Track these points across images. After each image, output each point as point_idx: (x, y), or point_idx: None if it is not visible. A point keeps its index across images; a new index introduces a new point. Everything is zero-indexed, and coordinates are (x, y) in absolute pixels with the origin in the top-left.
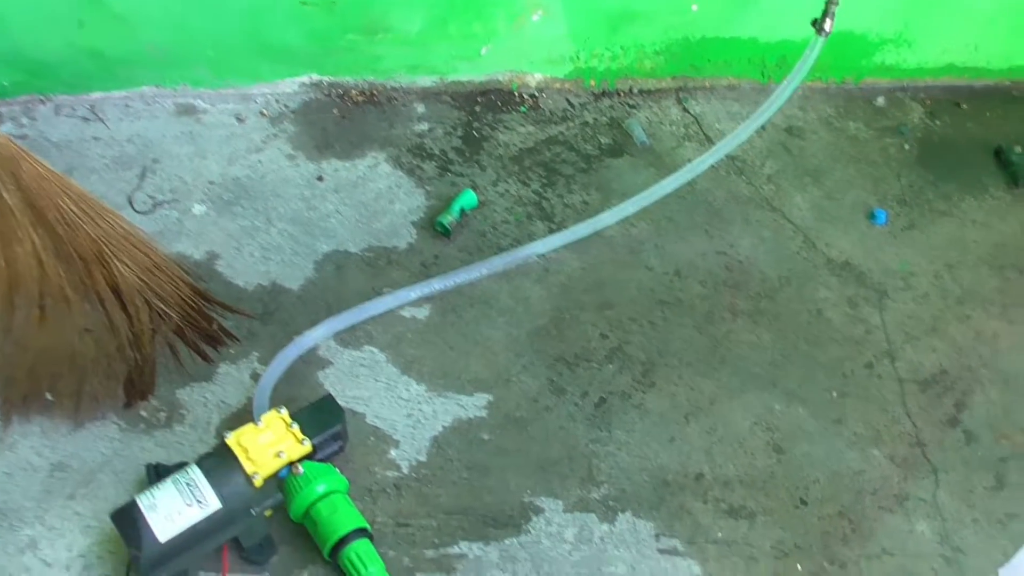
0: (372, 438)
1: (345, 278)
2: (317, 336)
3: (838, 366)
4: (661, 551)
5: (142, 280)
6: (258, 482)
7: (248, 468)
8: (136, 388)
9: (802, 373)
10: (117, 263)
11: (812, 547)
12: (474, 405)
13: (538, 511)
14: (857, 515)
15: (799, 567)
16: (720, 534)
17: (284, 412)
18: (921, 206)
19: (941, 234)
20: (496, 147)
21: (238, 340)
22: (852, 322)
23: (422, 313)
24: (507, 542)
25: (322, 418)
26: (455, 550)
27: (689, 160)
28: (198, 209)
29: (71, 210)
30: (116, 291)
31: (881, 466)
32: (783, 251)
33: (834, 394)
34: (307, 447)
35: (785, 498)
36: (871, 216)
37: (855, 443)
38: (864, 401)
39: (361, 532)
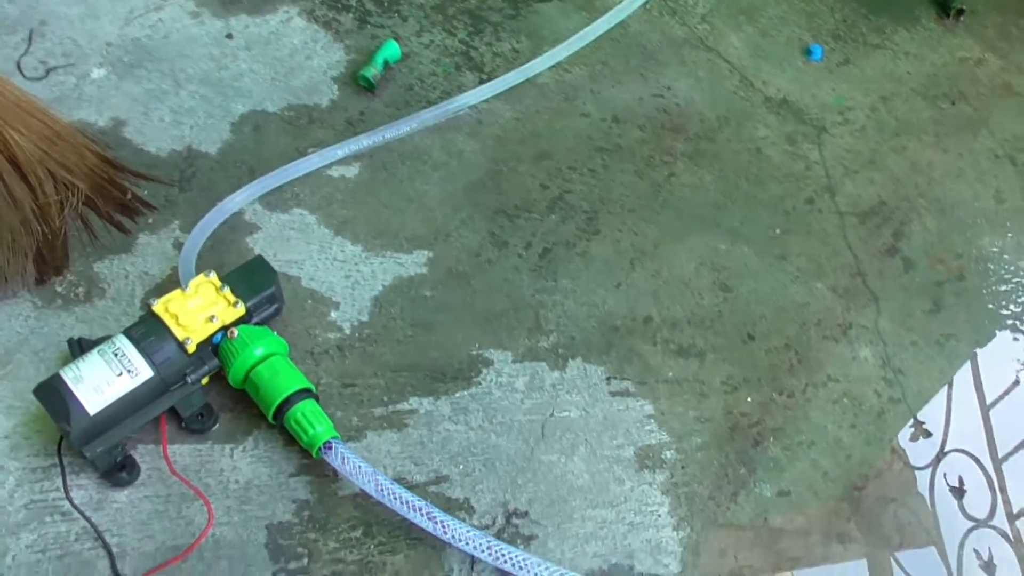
0: (310, 301)
1: (265, 139)
2: (241, 199)
3: (780, 203)
4: (613, 393)
5: (41, 149)
6: (191, 347)
7: (179, 334)
8: (48, 263)
9: (744, 212)
10: (11, 131)
11: (760, 380)
12: (414, 262)
13: (487, 363)
14: (803, 346)
15: (749, 399)
16: (671, 373)
17: (213, 276)
18: (855, 40)
19: (875, 67)
20: None
21: (156, 209)
22: (792, 159)
23: (351, 172)
24: (458, 395)
25: (254, 280)
26: (405, 406)
27: (620, 2)
28: (97, 73)
29: None
30: (13, 162)
31: (824, 298)
32: (720, 91)
33: (777, 231)
34: (240, 310)
35: (733, 335)
36: (806, 52)
37: (798, 277)
38: (806, 236)
39: (305, 392)
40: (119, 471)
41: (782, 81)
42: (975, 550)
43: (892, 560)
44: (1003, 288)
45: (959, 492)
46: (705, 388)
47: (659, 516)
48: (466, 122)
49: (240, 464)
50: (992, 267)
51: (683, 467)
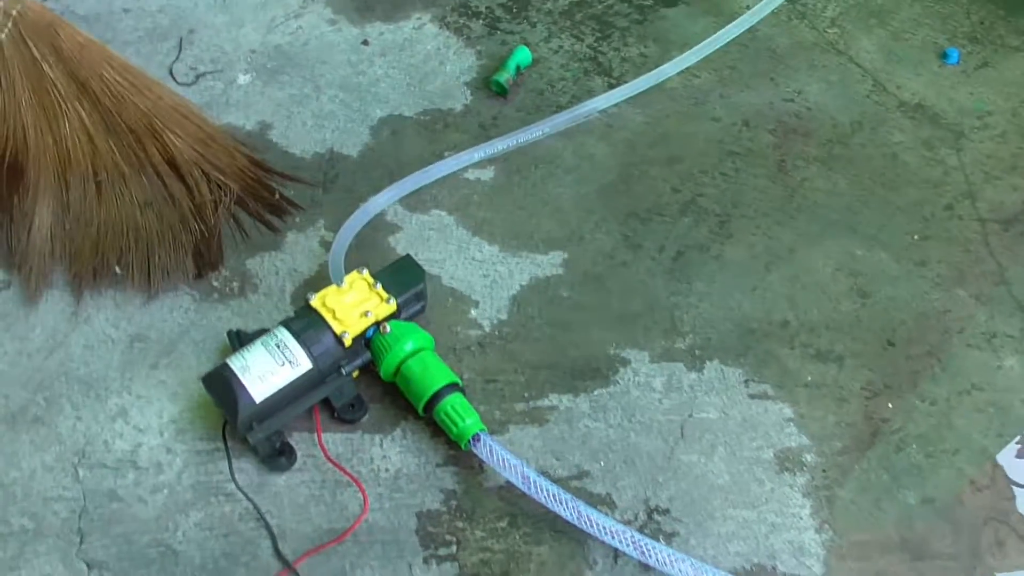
0: (451, 299)
1: (403, 142)
2: (384, 200)
3: (917, 209)
4: (752, 396)
5: (197, 151)
6: (347, 341)
7: (337, 328)
8: (205, 259)
9: (881, 218)
10: (169, 134)
11: (902, 386)
12: (549, 263)
13: (624, 363)
14: (945, 353)
15: (890, 405)
16: (809, 378)
17: (366, 273)
18: (993, 42)
19: (1016, 70)
20: (544, 2)
21: (302, 208)
22: (929, 164)
23: (486, 175)
24: (596, 393)
25: (403, 278)
26: (545, 402)
27: (748, 6)
28: (243, 79)
29: (116, 81)
30: (172, 163)
31: (967, 305)
32: (852, 95)
33: (915, 237)
34: (392, 306)
35: (872, 340)
36: (942, 55)
37: (939, 284)
38: (946, 242)
39: (454, 386)
40: (278, 456)
41: (917, 85)
42: None
43: None
44: None
45: None
46: (845, 393)
47: (801, 518)
48: (596, 126)
49: (390, 454)
50: None
51: (824, 471)
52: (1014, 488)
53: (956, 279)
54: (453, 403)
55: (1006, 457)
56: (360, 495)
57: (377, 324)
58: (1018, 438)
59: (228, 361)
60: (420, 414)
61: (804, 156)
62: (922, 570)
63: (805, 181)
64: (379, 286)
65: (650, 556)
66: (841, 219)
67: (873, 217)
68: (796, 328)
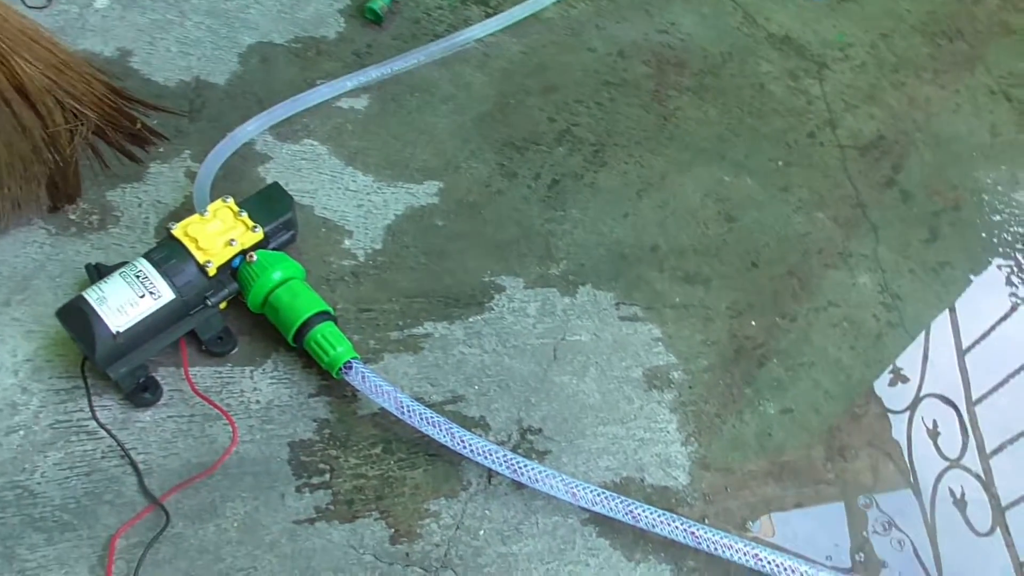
0: (323, 229)
1: (273, 71)
2: (253, 128)
3: (782, 137)
4: (622, 318)
5: (49, 78)
6: (211, 270)
7: (200, 257)
8: (60, 191)
9: (748, 145)
10: (18, 59)
11: (764, 305)
12: (425, 193)
13: (499, 289)
14: (804, 273)
15: (753, 323)
16: (677, 299)
17: (231, 201)
18: None
19: (875, 5)
20: None
21: (166, 138)
22: (793, 94)
23: (360, 103)
24: (471, 320)
25: (271, 206)
26: (420, 330)
27: None
28: (100, 3)
29: None
30: (21, 90)
31: (826, 227)
32: (724, 27)
33: (779, 163)
34: (259, 234)
35: (737, 263)
36: None
37: (801, 208)
38: (808, 168)
39: (325, 315)
40: (142, 392)
41: (784, 18)
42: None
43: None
44: (996, 218)
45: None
46: (711, 313)
47: (668, 432)
48: (473, 55)
49: (260, 385)
50: (987, 198)
51: (690, 387)
52: (890, 416)
53: (816, 203)
54: (324, 331)
55: (881, 386)
56: (230, 428)
57: (244, 253)
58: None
59: (84, 293)
60: (291, 344)
61: (677, 86)
62: (780, 475)
63: (677, 110)
64: (244, 214)
65: (522, 474)
66: (711, 147)
67: (741, 145)
68: (666, 252)
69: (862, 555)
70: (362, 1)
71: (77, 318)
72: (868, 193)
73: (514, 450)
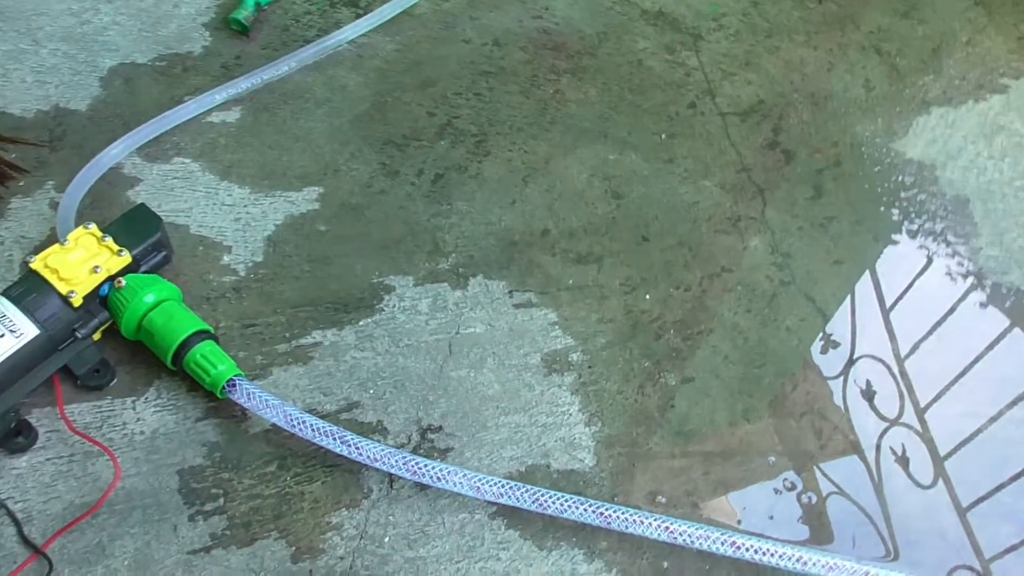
0: (201, 247)
1: (137, 91)
2: (118, 151)
3: (663, 110)
4: (516, 306)
5: None
6: (76, 301)
7: (62, 288)
8: None
9: (630, 121)
10: None
11: (657, 277)
12: (304, 199)
13: (389, 289)
14: (695, 242)
15: (648, 297)
16: (571, 281)
17: (93, 227)
18: None
19: None
20: None
21: (26, 171)
22: (672, 67)
23: (232, 116)
24: (362, 323)
25: (137, 228)
26: (308, 340)
27: None
28: None
29: None
30: None
31: (713, 195)
32: (597, 7)
33: (663, 136)
34: (126, 258)
35: (628, 238)
36: None
37: (687, 178)
38: (691, 139)
39: (203, 334)
40: (15, 436)
41: None
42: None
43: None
44: (877, 169)
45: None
46: (605, 291)
47: (570, 415)
48: (347, 57)
49: (144, 415)
50: (866, 151)
51: (590, 367)
52: (829, 382)
53: (702, 171)
54: (203, 351)
55: (816, 354)
56: (112, 463)
57: (111, 279)
58: (801, 301)
59: None
60: (171, 368)
61: (555, 70)
62: (685, 445)
63: (557, 94)
64: (109, 239)
65: (423, 474)
66: (593, 127)
67: (623, 122)
68: (556, 235)
69: (773, 516)
70: (227, 12)
71: None
72: (752, 157)
73: (415, 451)
